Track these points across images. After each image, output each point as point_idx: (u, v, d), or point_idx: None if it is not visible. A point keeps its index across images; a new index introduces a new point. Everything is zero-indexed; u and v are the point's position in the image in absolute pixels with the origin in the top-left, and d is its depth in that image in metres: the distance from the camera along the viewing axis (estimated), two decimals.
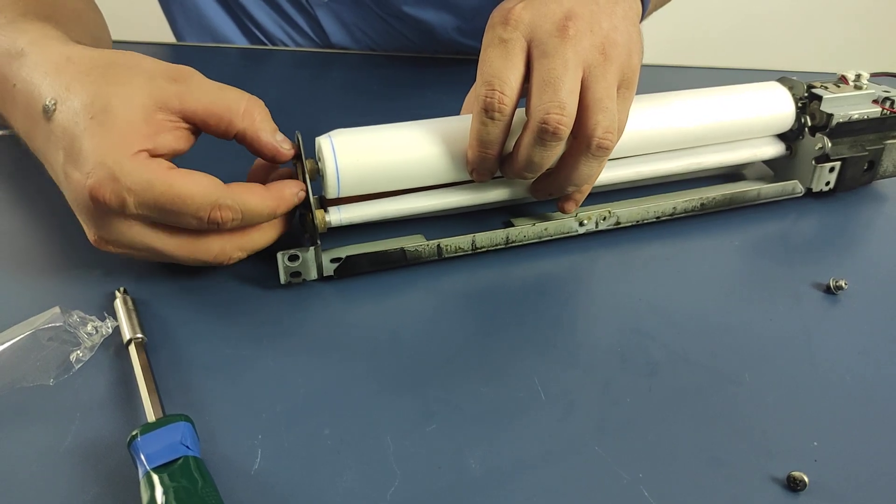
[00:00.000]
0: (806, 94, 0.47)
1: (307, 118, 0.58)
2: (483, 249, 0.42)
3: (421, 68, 0.71)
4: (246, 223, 0.36)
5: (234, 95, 0.36)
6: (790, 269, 0.43)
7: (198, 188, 0.33)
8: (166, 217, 0.34)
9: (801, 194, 0.49)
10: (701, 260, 0.44)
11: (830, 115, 0.46)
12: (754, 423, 0.32)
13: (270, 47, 0.75)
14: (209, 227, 0.34)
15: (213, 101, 0.35)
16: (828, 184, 0.49)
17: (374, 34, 0.75)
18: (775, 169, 0.51)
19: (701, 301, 0.40)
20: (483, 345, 0.36)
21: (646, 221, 0.45)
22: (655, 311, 0.39)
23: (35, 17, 0.40)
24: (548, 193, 0.42)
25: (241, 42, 0.76)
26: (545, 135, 0.37)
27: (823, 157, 0.47)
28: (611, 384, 0.34)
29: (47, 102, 0.34)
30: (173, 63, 0.36)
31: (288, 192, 0.37)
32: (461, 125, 0.40)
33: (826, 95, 0.47)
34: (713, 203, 0.46)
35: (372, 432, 0.31)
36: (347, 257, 0.39)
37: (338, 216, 0.40)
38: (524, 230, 0.42)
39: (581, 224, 0.44)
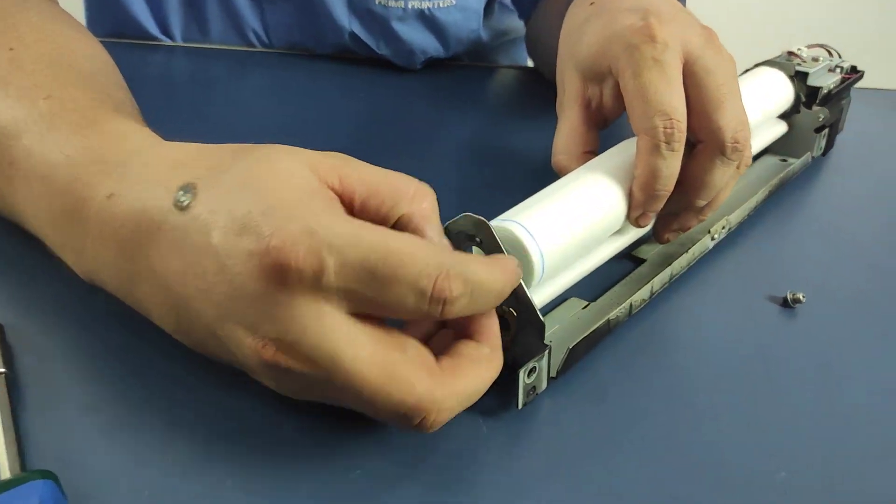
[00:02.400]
0: (794, 73, 0.52)
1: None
2: (657, 293, 0.38)
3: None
4: (473, 307, 0.26)
5: (403, 177, 0.28)
6: (743, 282, 0.41)
7: (418, 247, 0.25)
8: (376, 288, 0.24)
9: (809, 164, 0.53)
10: None
11: (818, 89, 0.51)
12: (712, 455, 0.30)
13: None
14: (430, 308, 0.25)
15: (379, 179, 0.27)
16: (819, 149, 0.54)
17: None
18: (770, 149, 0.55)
19: None
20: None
21: (742, 220, 0.45)
22: None
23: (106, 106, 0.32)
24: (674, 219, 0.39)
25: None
26: (735, 155, 0.35)
27: (821, 127, 0.52)
28: None
29: (179, 193, 0.26)
30: None
31: (511, 264, 0.28)
32: (618, 168, 0.36)
33: (810, 71, 0.51)
34: (774, 188, 0.48)
35: (285, 483, 0.27)
36: (571, 349, 0.32)
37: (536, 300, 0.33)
38: (681, 261, 0.39)
39: (713, 238, 0.42)
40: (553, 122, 0.42)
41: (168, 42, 0.68)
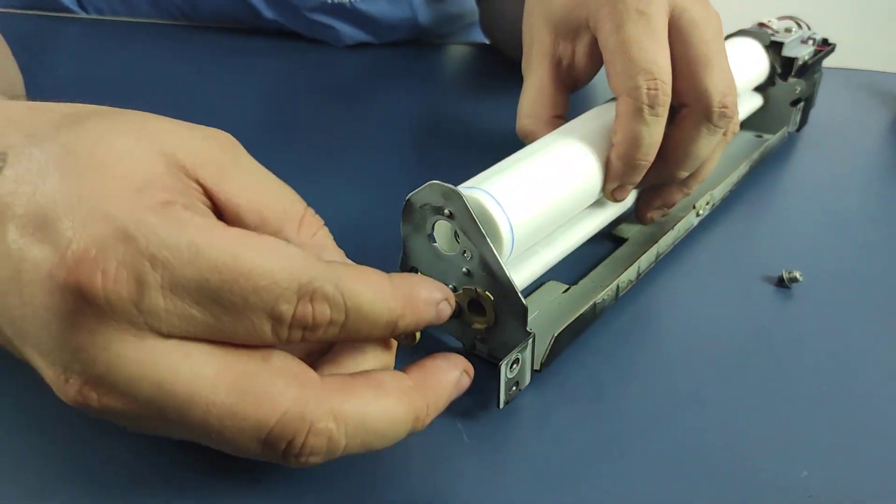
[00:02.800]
0: (769, 44, 0.49)
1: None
2: (643, 273, 0.34)
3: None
4: (350, 335, 0.21)
5: (294, 197, 0.23)
6: (734, 261, 0.38)
7: (277, 258, 0.19)
8: (219, 316, 0.19)
9: (787, 139, 0.50)
10: None
11: (793, 60, 0.48)
12: (725, 456, 0.26)
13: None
14: (291, 335, 0.19)
15: (266, 193, 0.22)
16: (794, 124, 0.51)
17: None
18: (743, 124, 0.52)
19: None
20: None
21: (725, 196, 0.42)
22: None
23: None
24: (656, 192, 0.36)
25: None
26: (722, 121, 0.31)
27: (797, 100, 0.49)
28: None
29: None
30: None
31: (422, 295, 0.22)
32: (593, 134, 0.32)
33: (785, 41, 0.49)
34: (755, 164, 0.45)
35: None
36: (556, 338, 0.28)
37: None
38: (666, 239, 0.35)
39: (697, 214, 0.38)
40: (515, 97, 0.38)
41: (83, 15, 0.61)
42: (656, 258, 0.35)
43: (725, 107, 0.32)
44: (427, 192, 0.27)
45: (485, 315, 0.27)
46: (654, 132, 0.30)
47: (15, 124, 0.20)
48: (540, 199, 0.28)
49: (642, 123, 0.30)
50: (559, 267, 0.33)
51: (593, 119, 0.33)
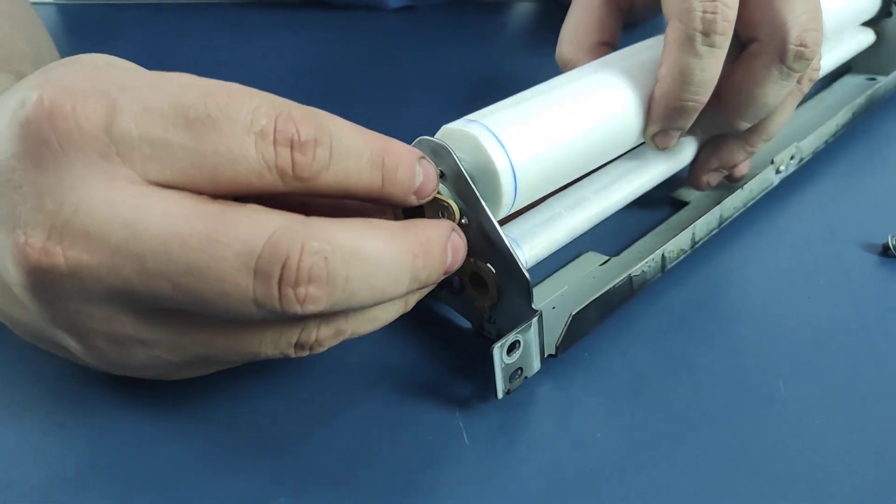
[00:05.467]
0: None
1: None
2: (700, 242, 0.28)
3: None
4: (339, 166, 0.19)
5: None
6: (828, 227, 0.31)
7: (249, 88, 0.18)
8: (197, 136, 0.17)
9: None
10: None
11: None
12: (798, 460, 0.21)
13: None
14: (279, 160, 0.18)
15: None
16: None
17: None
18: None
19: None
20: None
21: (818, 150, 0.35)
22: None
23: None
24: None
25: None
26: (798, 63, 0.25)
27: None
28: None
29: None
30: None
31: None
32: (640, 69, 0.26)
33: None
34: (860, 111, 0.37)
35: None
36: (574, 316, 0.23)
37: (523, 257, 0.24)
38: (734, 200, 0.29)
39: (778, 171, 0.32)
40: None
41: (136, 1, 0.61)
42: (719, 224, 0.29)
43: (804, 45, 0.25)
44: (418, 147, 0.23)
45: (487, 292, 0.23)
46: (707, 67, 0.25)
47: None
48: (555, 135, 0.23)
49: (693, 55, 0.24)
50: (601, 235, 0.28)
51: (646, 49, 0.28)
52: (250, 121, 0.18)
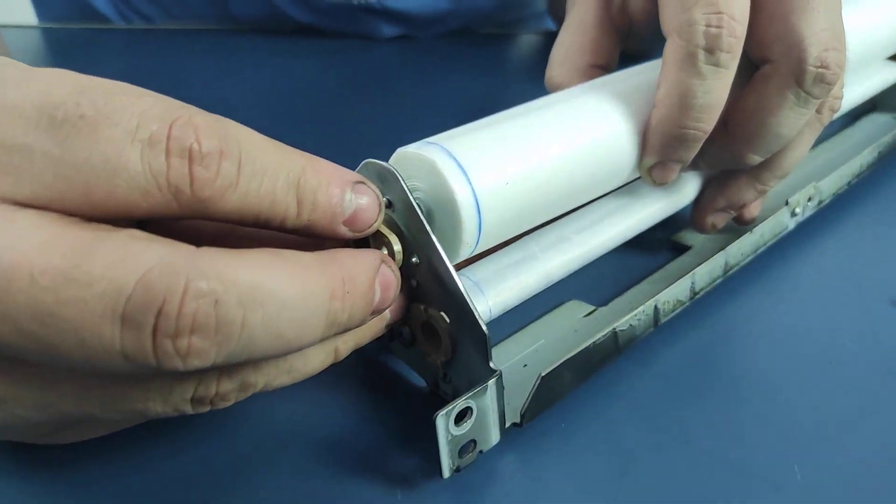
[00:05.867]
0: None
1: None
2: (702, 293, 0.24)
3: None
4: (248, 184, 0.15)
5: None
6: (853, 280, 0.27)
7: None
8: (63, 138, 0.14)
9: None
10: None
11: None
12: None
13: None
14: (170, 170, 0.14)
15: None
16: None
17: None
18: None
19: None
20: None
21: (840, 192, 0.31)
22: None
23: None
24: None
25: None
26: (818, 88, 0.22)
27: None
28: None
29: None
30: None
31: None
32: (636, 92, 0.23)
33: None
34: (887, 151, 0.34)
35: None
36: (543, 377, 0.19)
37: (486, 305, 0.20)
38: (742, 245, 0.26)
39: (793, 214, 0.28)
40: None
41: (123, 25, 0.60)
42: (724, 272, 0.25)
43: (825, 66, 0.22)
44: (363, 172, 0.19)
45: (440, 346, 0.19)
46: (711, 89, 0.21)
47: None
48: (530, 162, 0.20)
49: (694, 75, 0.21)
50: (589, 281, 0.25)
51: (645, 72, 0.24)
52: (136, 125, 0.14)
